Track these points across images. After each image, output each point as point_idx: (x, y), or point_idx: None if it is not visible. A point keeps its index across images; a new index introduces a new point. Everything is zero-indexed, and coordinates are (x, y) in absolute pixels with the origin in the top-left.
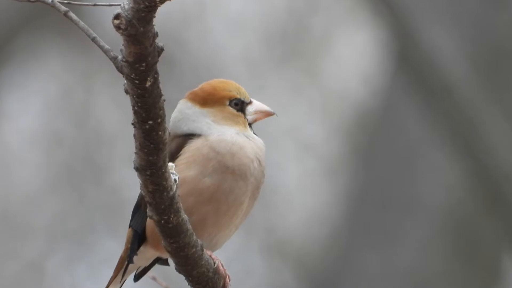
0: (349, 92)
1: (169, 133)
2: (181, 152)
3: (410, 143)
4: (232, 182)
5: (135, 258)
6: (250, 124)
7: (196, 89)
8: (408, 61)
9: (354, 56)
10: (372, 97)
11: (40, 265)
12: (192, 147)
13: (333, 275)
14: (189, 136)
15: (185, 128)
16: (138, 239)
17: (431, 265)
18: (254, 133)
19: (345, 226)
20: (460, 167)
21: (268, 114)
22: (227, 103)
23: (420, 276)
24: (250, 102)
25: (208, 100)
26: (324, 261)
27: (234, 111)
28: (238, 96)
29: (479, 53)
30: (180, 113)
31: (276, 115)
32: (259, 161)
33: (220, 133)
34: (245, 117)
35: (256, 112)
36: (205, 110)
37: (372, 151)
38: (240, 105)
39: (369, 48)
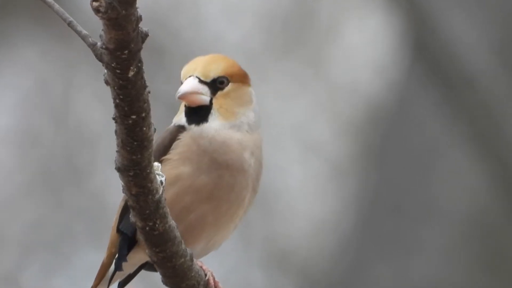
0: (360, 85)
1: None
2: (173, 147)
3: (427, 142)
4: (230, 178)
5: (123, 264)
6: None
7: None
8: (426, 51)
9: (365, 45)
10: (386, 90)
11: (14, 278)
12: (182, 141)
13: None
14: (179, 128)
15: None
16: (128, 243)
17: (451, 277)
18: None
19: (355, 234)
20: (483, 168)
21: None
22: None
23: None
24: None
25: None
26: (332, 274)
27: None
28: None
29: (504, 42)
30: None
31: None
32: (251, 152)
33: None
34: None
35: None
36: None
37: (385, 151)
38: None
39: (382, 36)
